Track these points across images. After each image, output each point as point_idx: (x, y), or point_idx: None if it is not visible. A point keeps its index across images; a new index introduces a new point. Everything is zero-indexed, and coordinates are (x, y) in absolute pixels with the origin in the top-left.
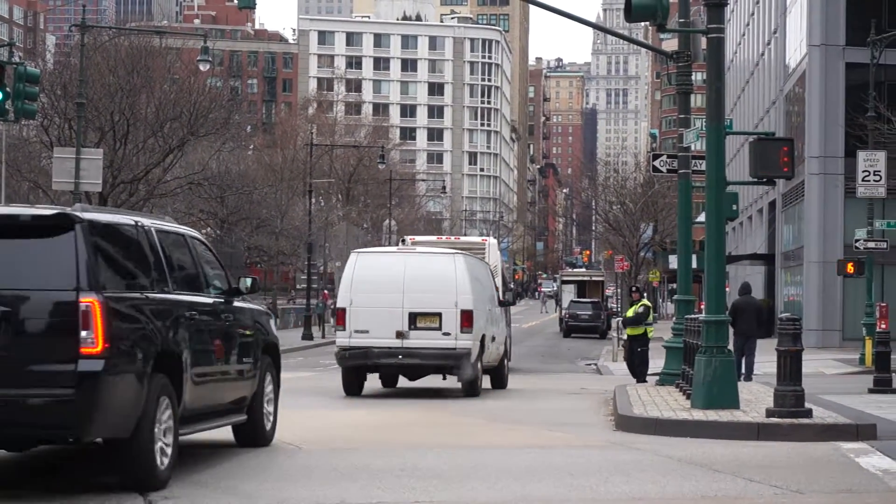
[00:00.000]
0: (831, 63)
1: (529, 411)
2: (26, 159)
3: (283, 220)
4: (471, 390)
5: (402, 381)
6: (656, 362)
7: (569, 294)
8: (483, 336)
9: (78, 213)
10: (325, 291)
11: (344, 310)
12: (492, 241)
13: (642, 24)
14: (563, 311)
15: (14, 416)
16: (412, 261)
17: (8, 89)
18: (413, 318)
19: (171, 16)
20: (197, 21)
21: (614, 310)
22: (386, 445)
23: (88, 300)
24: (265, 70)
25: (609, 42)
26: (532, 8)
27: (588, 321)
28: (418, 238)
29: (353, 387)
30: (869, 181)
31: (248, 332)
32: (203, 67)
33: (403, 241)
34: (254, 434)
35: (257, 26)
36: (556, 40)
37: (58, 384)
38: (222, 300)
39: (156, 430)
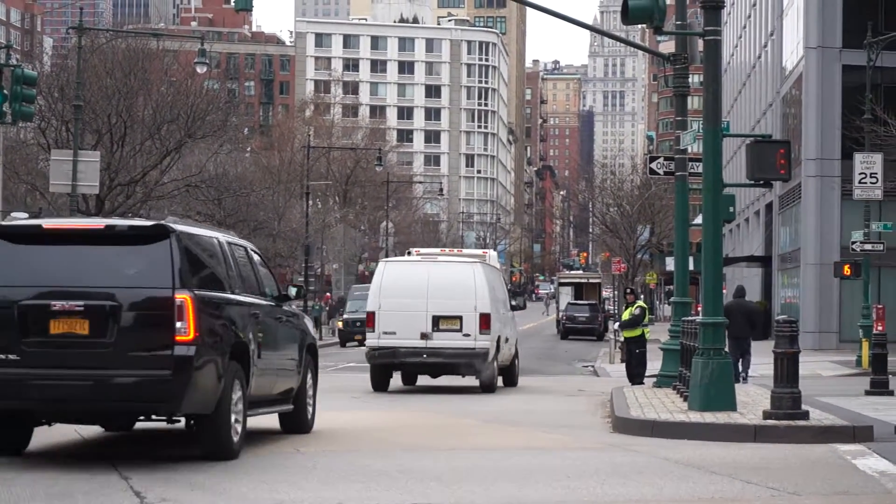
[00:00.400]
0: (828, 65)
1: (526, 413)
2: (23, 161)
3: (281, 222)
4: (488, 386)
5: (411, 379)
6: (653, 364)
7: (566, 296)
8: (498, 337)
9: (172, 225)
10: (328, 294)
11: (373, 313)
12: (492, 253)
13: (639, 26)
14: (561, 313)
15: (121, 394)
16: (435, 269)
17: (5, 91)
18: (436, 320)
19: (168, 18)
20: (194, 23)
21: (611, 312)
22: (384, 447)
23: (182, 296)
24: (262, 72)
25: (606, 44)
26: (529, 10)
27: (585, 323)
28: (423, 250)
29: (381, 383)
30: (865, 183)
31: (295, 333)
32: (200, 70)
33: (409, 253)
34: (298, 422)
35: (254, 28)
36: (553, 43)
37: (157, 366)
38: (274, 304)
39: (231, 409)
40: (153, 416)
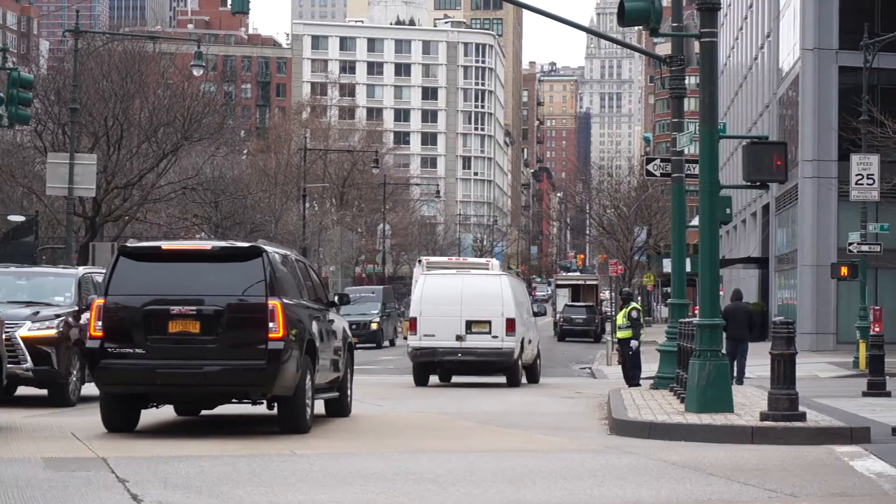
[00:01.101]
0: (824, 67)
1: (524, 415)
2: (20, 165)
3: (278, 224)
4: (513, 381)
5: (447, 377)
6: (650, 366)
7: (563, 298)
8: (522, 339)
9: (263, 245)
10: None
11: (415, 319)
12: (494, 261)
13: (635, 28)
14: (558, 315)
15: (226, 380)
16: (468, 281)
17: (1, 95)
18: (469, 324)
19: (165, 21)
20: (190, 26)
21: (608, 314)
22: (380, 448)
23: (273, 302)
24: (259, 75)
25: (602, 46)
26: (525, 12)
27: (582, 325)
28: (432, 259)
29: (422, 378)
30: (862, 184)
31: (339, 332)
32: (197, 72)
33: (420, 261)
34: (341, 407)
35: (251, 31)
36: (550, 44)
37: (254, 358)
38: (325, 308)
39: (306, 393)
40: (246, 399)
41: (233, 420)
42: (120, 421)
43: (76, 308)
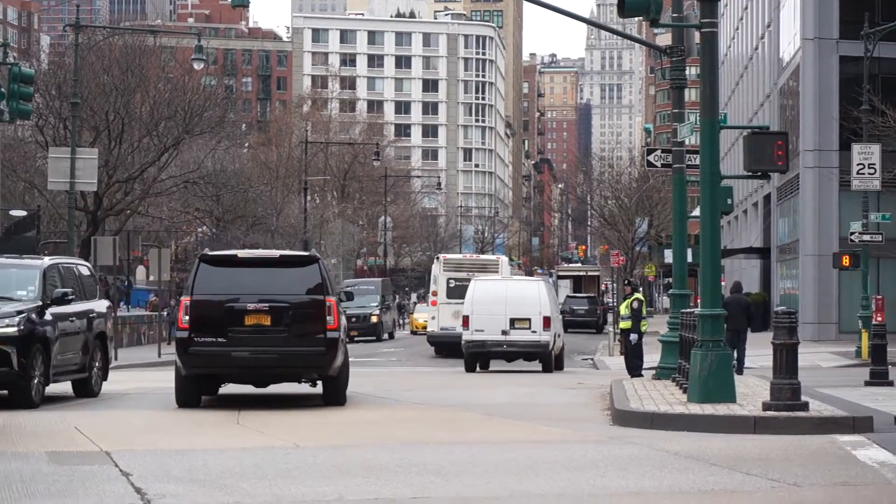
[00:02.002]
0: (825, 56)
1: (526, 406)
2: (21, 159)
3: (279, 217)
4: (547, 368)
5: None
6: (652, 356)
7: (565, 289)
8: (555, 334)
9: (317, 255)
10: None
11: (468, 316)
12: (503, 258)
13: (636, 19)
14: (560, 306)
15: (293, 362)
16: (511, 285)
17: (3, 90)
18: (512, 321)
19: (165, 15)
20: (191, 20)
21: (610, 305)
22: (384, 441)
23: (330, 300)
24: (259, 68)
25: (603, 37)
26: (525, 4)
27: (584, 316)
28: (449, 256)
29: (472, 366)
30: (864, 174)
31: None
32: (197, 66)
33: (438, 258)
34: (335, 396)
35: (251, 24)
36: (550, 36)
37: (315, 345)
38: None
39: (345, 373)
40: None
41: (236, 414)
42: (192, 399)
43: (39, 303)
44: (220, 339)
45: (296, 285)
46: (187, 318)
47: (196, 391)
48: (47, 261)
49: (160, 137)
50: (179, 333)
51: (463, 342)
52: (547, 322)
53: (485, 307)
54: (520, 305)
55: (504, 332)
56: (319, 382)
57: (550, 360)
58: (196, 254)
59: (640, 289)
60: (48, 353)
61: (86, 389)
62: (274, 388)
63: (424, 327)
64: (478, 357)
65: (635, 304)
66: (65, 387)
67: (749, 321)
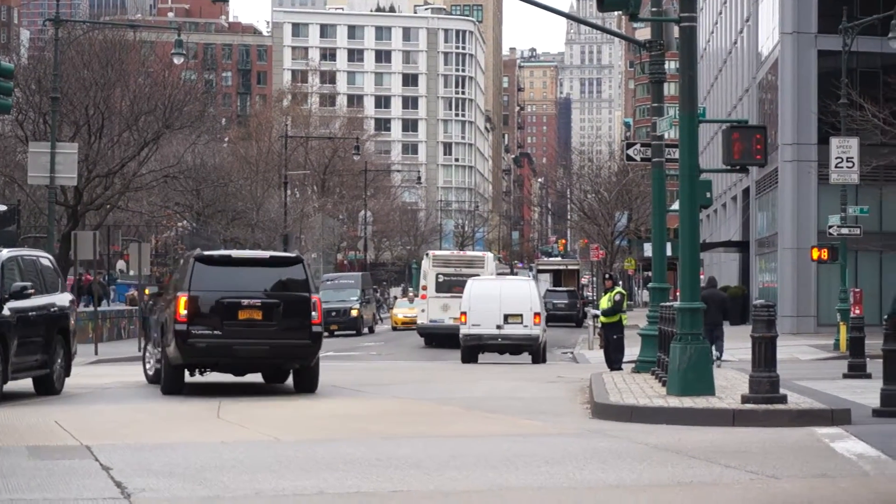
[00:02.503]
0: (803, 51)
1: (506, 400)
2: (1, 154)
3: (259, 212)
4: (536, 359)
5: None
6: (632, 350)
7: (544, 283)
8: (542, 328)
9: (301, 256)
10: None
11: (465, 312)
12: (489, 254)
13: (615, 13)
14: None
15: (282, 353)
16: (505, 284)
17: None
18: (506, 317)
19: (145, 9)
20: (171, 14)
21: (590, 298)
22: (364, 435)
23: (314, 298)
24: (239, 63)
25: (582, 31)
26: None
27: (564, 310)
28: (437, 253)
29: (469, 358)
30: (842, 168)
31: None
32: (177, 61)
33: (427, 254)
34: (311, 384)
35: (231, 19)
36: (530, 30)
37: (303, 338)
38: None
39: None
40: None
41: (216, 408)
42: (178, 387)
43: None
44: (216, 332)
45: (283, 283)
46: (185, 312)
47: (182, 379)
48: (5, 253)
49: (140, 132)
50: (178, 326)
51: (461, 336)
52: (537, 317)
53: (481, 304)
54: (513, 302)
55: (499, 327)
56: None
57: (539, 352)
58: (176, 248)
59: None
60: (6, 349)
61: (47, 387)
62: (251, 379)
63: (404, 323)
64: (475, 349)
65: (617, 298)
66: (26, 383)
67: (725, 315)
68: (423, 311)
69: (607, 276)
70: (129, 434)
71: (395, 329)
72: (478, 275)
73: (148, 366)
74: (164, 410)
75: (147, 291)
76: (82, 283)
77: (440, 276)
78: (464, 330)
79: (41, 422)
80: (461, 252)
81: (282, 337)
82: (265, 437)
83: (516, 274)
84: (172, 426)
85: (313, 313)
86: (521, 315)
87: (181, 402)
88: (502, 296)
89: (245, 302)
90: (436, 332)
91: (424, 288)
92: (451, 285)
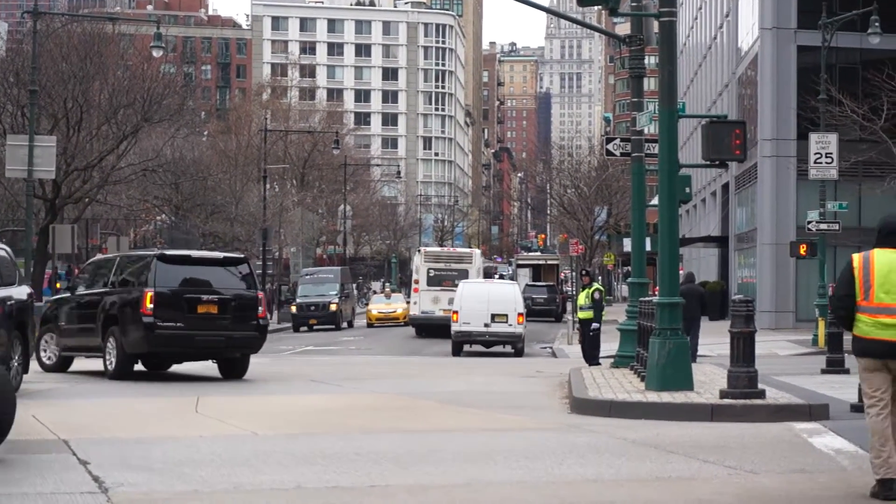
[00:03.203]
0: (783, 46)
1: (485, 395)
2: None
3: (238, 206)
4: (519, 353)
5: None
6: (611, 345)
7: (524, 278)
8: (525, 326)
9: (246, 257)
10: None
11: (457, 311)
12: (476, 251)
13: (595, 7)
14: None
15: (236, 343)
16: (493, 287)
17: None
18: (493, 316)
19: (124, 2)
20: (150, 7)
21: (569, 293)
22: (342, 430)
23: (260, 294)
24: (219, 56)
25: (562, 26)
26: None
27: (543, 305)
28: (429, 249)
29: (457, 351)
30: (821, 163)
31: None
32: (156, 54)
33: (419, 250)
34: (244, 370)
35: (210, 12)
36: (510, 25)
37: (252, 329)
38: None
39: None
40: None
41: (194, 402)
42: (129, 373)
43: None
44: (179, 324)
45: (234, 281)
46: (152, 306)
47: (132, 368)
48: None
49: (119, 125)
50: (146, 319)
51: (453, 332)
52: (521, 317)
53: (471, 305)
54: (499, 304)
55: (486, 325)
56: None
57: (522, 348)
58: (155, 242)
59: (599, 278)
60: None
61: None
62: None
63: (379, 319)
64: (463, 344)
65: (596, 295)
66: None
67: (702, 310)
68: (414, 303)
69: (584, 272)
70: (106, 428)
71: (370, 325)
72: (466, 270)
73: (45, 354)
74: (142, 405)
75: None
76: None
77: (431, 270)
78: (455, 327)
79: (18, 416)
80: (451, 248)
81: (235, 329)
82: (243, 432)
83: (496, 269)
84: (150, 421)
85: (259, 308)
86: (506, 315)
87: (159, 397)
88: (490, 298)
89: (204, 297)
90: (427, 323)
91: (416, 282)
92: (442, 279)
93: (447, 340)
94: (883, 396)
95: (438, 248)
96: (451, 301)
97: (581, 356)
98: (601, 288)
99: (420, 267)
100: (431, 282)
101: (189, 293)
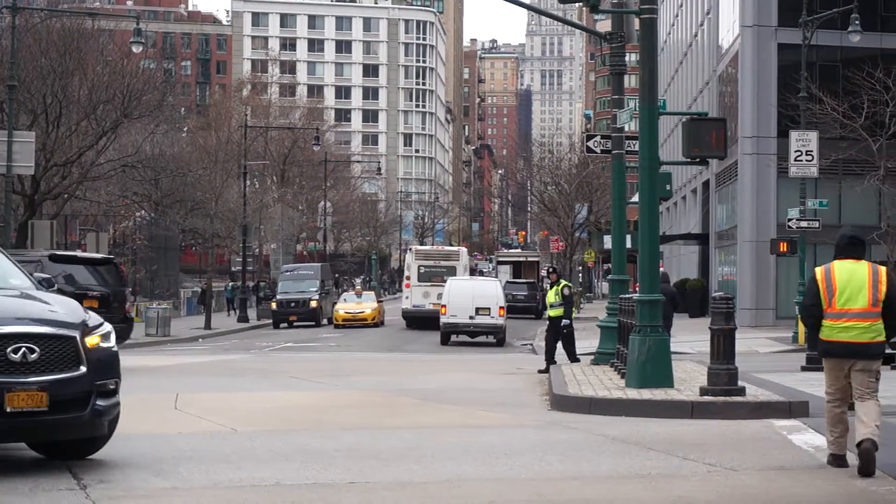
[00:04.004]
0: (763, 44)
1: (465, 391)
2: None
3: (218, 202)
4: (500, 343)
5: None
6: (591, 342)
7: (504, 275)
8: (506, 318)
9: (114, 257)
10: None
11: (445, 305)
12: (463, 250)
13: (576, 4)
14: None
15: (116, 333)
16: (477, 284)
17: None
18: (477, 309)
19: None
20: (130, 3)
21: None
22: (322, 426)
23: (127, 291)
24: (199, 52)
25: (543, 23)
26: None
27: (524, 301)
28: (419, 247)
29: (446, 340)
30: (801, 161)
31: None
32: (136, 49)
33: (410, 249)
34: None
35: (190, 8)
36: (491, 22)
37: (123, 322)
38: None
39: None
40: None
41: (173, 398)
42: None
43: None
44: None
45: (110, 279)
46: None
47: None
48: None
49: (98, 121)
50: None
51: (441, 323)
52: (502, 310)
53: (458, 299)
54: (482, 298)
55: (471, 317)
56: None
57: (503, 339)
58: (134, 238)
59: (581, 275)
60: None
61: None
62: (209, 372)
63: (345, 320)
64: (450, 335)
65: (566, 291)
66: None
67: (675, 308)
68: (406, 297)
69: (551, 269)
70: None
71: (336, 327)
72: (454, 266)
73: None
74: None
75: None
76: None
77: (422, 267)
78: (443, 319)
79: None
80: (440, 247)
81: (112, 321)
82: (222, 429)
83: (476, 265)
84: (129, 417)
85: (127, 303)
86: (489, 308)
87: (137, 393)
88: (474, 293)
89: (90, 293)
90: (418, 316)
91: (408, 278)
92: (431, 276)
93: (431, 332)
94: (839, 392)
95: (428, 247)
96: (440, 296)
97: (561, 352)
98: (570, 284)
99: (412, 264)
100: (422, 278)
101: (78, 289)
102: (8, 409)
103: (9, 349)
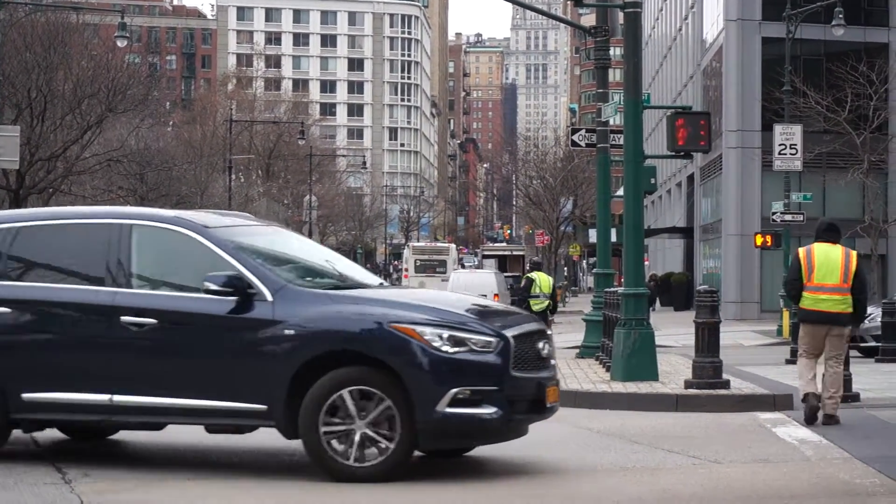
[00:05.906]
0: (748, 38)
1: None
2: None
3: (203, 196)
4: None
5: None
6: (576, 335)
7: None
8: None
9: None
10: None
11: None
12: (452, 246)
13: None
14: None
15: None
16: (476, 275)
17: None
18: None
19: None
20: None
21: None
22: None
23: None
24: (184, 46)
25: (528, 17)
26: None
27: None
28: (416, 244)
29: None
30: (785, 154)
31: None
32: (121, 44)
33: (408, 245)
34: None
35: (175, 2)
36: (476, 16)
37: None
38: None
39: None
40: None
41: None
42: None
43: None
44: None
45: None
46: None
47: None
48: None
49: (83, 115)
50: None
51: None
52: (496, 297)
53: (460, 289)
54: (481, 287)
55: None
56: None
57: None
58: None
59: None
60: None
61: None
62: None
63: None
64: None
65: (524, 283)
66: None
67: (651, 304)
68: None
69: (533, 262)
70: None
71: None
72: (445, 260)
73: None
74: None
75: None
76: None
77: (417, 261)
78: None
79: None
80: (433, 243)
81: None
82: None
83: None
84: None
85: None
86: (485, 296)
87: None
88: (474, 283)
89: None
90: None
91: (406, 270)
92: (426, 268)
93: None
94: (812, 351)
95: (423, 244)
96: (435, 286)
97: None
98: (531, 276)
99: (409, 258)
100: (418, 270)
101: None
102: (548, 405)
103: (538, 343)
